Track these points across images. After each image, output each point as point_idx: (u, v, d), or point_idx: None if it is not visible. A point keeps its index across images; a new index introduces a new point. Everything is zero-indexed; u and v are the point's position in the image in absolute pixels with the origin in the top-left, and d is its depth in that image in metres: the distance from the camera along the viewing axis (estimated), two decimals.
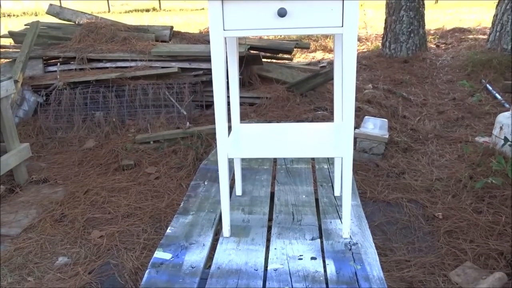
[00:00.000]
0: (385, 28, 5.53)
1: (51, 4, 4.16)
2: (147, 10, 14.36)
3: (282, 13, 0.98)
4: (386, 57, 5.42)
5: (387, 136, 2.79)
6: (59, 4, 14.63)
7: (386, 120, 2.89)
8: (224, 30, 1.02)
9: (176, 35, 4.16)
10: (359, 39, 7.04)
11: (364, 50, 6.21)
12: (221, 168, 1.26)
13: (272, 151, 1.26)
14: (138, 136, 3.00)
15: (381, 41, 5.79)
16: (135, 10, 14.42)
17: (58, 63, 3.64)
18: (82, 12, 4.16)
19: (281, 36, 6.36)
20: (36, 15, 13.64)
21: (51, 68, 3.72)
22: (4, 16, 13.84)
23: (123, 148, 2.95)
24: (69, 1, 17.26)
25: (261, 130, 1.46)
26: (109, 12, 14.45)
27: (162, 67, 3.52)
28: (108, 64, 3.62)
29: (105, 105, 3.33)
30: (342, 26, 1.00)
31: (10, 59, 3.78)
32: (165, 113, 3.36)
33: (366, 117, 2.91)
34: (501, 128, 2.80)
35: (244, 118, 3.35)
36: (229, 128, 1.36)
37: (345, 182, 1.21)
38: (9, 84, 2.52)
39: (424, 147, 3.05)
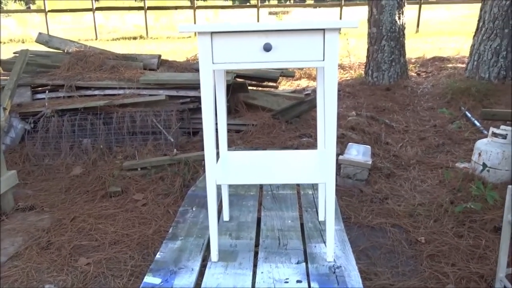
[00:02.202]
0: (367, 57, 5.72)
1: (40, 33, 4.22)
2: (134, 38, 14.53)
3: (267, 47, 1.06)
4: (369, 85, 5.58)
5: (370, 162, 2.87)
6: (47, 32, 14.72)
7: (369, 147, 2.98)
8: (213, 63, 1.09)
9: (163, 63, 4.25)
10: (343, 67, 7.23)
11: (347, 78, 6.38)
12: (209, 194, 1.30)
13: (259, 177, 1.31)
14: (125, 163, 3.02)
15: (364, 70, 5.96)
16: (123, 38, 14.58)
17: (47, 91, 3.68)
18: (70, 40, 4.23)
19: None
20: (23, 43, 13.70)
21: (39, 96, 3.75)
22: None
23: (110, 175, 2.96)
24: (56, 27, 17.39)
25: (248, 157, 1.52)
26: (96, 39, 14.57)
27: (150, 95, 3.58)
28: (96, 92, 3.66)
29: (92, 132, 3.36)
30: (324, 59, 1.07)
31: None
32: (153, 140, 3.40)
33: (349, 143, 2.99)
34: (479, 154, 2.91)
35: (231, 144, 3.41)
36: (217, 155, 1.41)
37: (328, 207, 1.27)
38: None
39: (406, 173, 3.13)
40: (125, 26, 18.02)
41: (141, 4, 16.29)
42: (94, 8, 15.65)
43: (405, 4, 5.45)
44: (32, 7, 26.42)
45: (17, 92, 3.66)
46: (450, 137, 3.86)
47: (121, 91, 3.62)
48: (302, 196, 1.90)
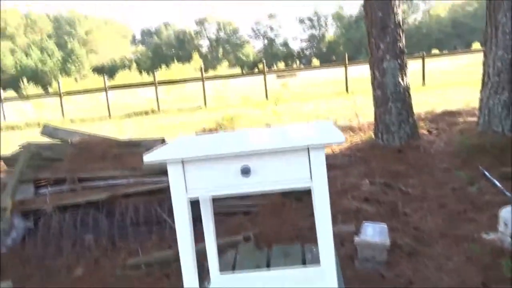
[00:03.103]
0: (375, 119, 5.63)
1: (45, 125, 4.26)
2: (146, 113, 14.87)
3: (246, 171, 0.94)
4: (380, 147, 5.44)
5: (388, 243, 2.65)
6: (62, 115, 15.11)
7: (385, 225, 2.77)
8: (186, 191, 0.98)
9: None
10: (352, 129, 7.14)
11: (357, 141, 6.27)
12: None
13: None
14: (129, 261, 2.86)
15: (373, 131, 5.86)
16: (134, 114, 14.93)
17: (48, 186, 3.62)
18: (74, 131, 4.25)
19: None
20: (39, 126, 14.10)
21: (42, 191, 3.68)
22: (8, 129, 14.29)
23: (113, 275, 2.79)
24: (72, 108, 17.99)
25: (246, 282, 1.35)
26: (110, 117, 14.96)
27: (154, 183, 3.49)
28: (99, 183, 3.59)
29: (95, 228, 3.24)
30: (311, 179, 0.95)
31: (0, 184, 3.76)
32: (157, 230, 3.26)
33: (364, 223, 2.80)
34: (505, 224, 2.68)
35: (240, 230, 3.23)
36: (207, 280, 1.25)
37: None
38: None
39: (429, 249, 2.89)
40: (137, 101, 18.58)
41: (152, 79, 16.87)
42: (107, 87, 16.23)
43: (407, 65, 5.44)
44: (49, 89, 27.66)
45: (20, 188, 3.61)
46: (471, 201, 3.63)
47: (124, 180, 3.54)
48: None
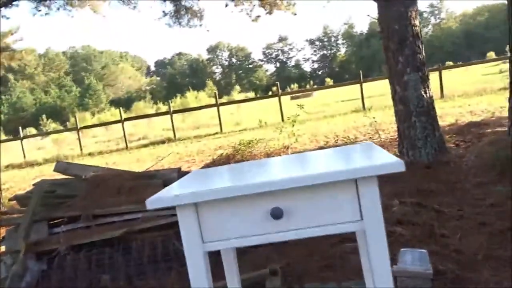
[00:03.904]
0: (399, 136, 5.39)
1: (58, 162, 4.15)
2: (163, 142, 14.85)
3: (277, 214, 0.75)
4: (406, 164, 5.16)
5: (431, 271, 2.39)
6: (80, 149, 15.22)
7: (425, 251, 2.51)
8: (203, 242, 0.78)
9: (184, 176, 4.03)
10: None
11: None
12: None
13: None
14: None
15: (397, 148, 5.60)
16: (151, 144, 14.93)
17: (62, 225, 3.47)
18: (88, 165, 4.13)
19: None
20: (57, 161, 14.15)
21: (56, 229, 3.53)
22: (27, 166, 14.43)
23: None
24: (89, 141, 18.14)
25: None
26: (127, 148, 14.98)
27: (171, 215, 3.30)
28: (115, 218, 3.42)
29: (111, 266, 3.05)
30: (362, 219, 0.74)
31: (14, 225, 3.63)
32: (176, 266, 3.04)
33: (402, 250, 2.54)
34: None
35: (265, 262, 3.00)
36: None
37: None
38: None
39: (475, 274, 2.60)
40: (154, 131, 18.65)
41: (167, 108, 16.93)
42: (123, 119, 16.34)
43: (429, 77, 5.22)
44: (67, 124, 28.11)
45: (34, 228, 3.46)
46: None
47: (140, 215, 3.36)
48: None
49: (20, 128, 17.77)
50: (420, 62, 5.11)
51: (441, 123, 7.03)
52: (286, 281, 2.69)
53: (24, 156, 16.31)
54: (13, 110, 49.21)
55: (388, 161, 0.73)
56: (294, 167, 0.92)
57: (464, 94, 13.73)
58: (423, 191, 4.22)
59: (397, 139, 5.55)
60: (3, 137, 23.24)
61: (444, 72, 15.19)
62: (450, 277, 2.57)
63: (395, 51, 5.13)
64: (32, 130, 27.06)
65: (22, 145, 16.88)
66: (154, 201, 0.75)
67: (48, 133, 21.89)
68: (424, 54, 5.18)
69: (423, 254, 2.49)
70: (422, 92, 5.09)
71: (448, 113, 9.55)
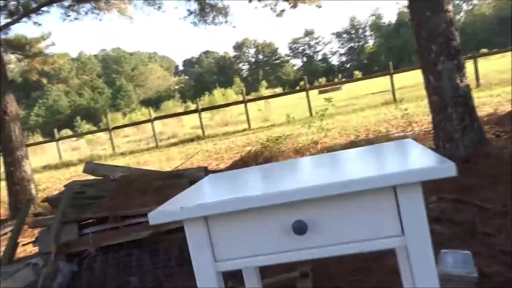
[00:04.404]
0: (434, 128, 5.13)
1: (87, 162, 4.17)
2: (192, 140, 14.92)
3: (300, 228, 0.63)
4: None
5: (476, 275, 2.21)
6: (112, 148, 15.51)
7: (468, 252, 2.33)
8: (215, 262, 0.68)
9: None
10: None
11: None
12: None
13: None
14: None
15: (432, 141, 5.34)
16: (180, 142, 15.03)
17: (91, 226, 3.47)
18: (116, 166, 4.13)
19: None
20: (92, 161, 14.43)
21: (86, 231, 3.53)
22: (63, 167, 14.82)
23: None
24: (121, 141, 18.48)
25: None
26: (157, 147, 15.16)
27: None
28: (142, 219, 3.39)
29: (139, 268, 3.01)
30: (403, 234, 0.62)
31: (46, 227, 3.66)
32: None
33: (442, 251, 2.37)
34: None
35: (294, 263, 2.88)
36: None
37: None
38: (28, 272, 2.27)
39: None
40: (183, 129, 18.81)
41: (196, 107, 17.03)
42: (153, 118, 16.53)
43: (464, 65, 4.94)
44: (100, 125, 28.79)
45: (64, 230, 3.48)
46: None
47: None
48: None
49: (55, 130, 18.28)
50: (454, 50, 4.84)
51: (479, 113, 6.70)
52: (317, 283, 2.57)
53: (60, 157, 16.78)
54: (49, 113, 50.94)
55: (434, 164, 0.60)
56: (319, 171, 0.80)
57: (502, 82, 13.11)
58: (462, 186, 3.99)
59: (432, 132, 5.29)
60: (40, 139, 24.04)
61: (479, 60, 14.57)
62: (498, 280, 2.38)
63: (427, 39, 4.88)
64: (68, 132, 27.87)
65: (58, 146, 17.37)
66: (157, 216, 0.65)
67: (82, 134, 22.47)
68: (458, 41, 4.91)
69: (467, 256, 2.32)
70: (458, 81, 4.82)
71: (486, 103, 9.12)
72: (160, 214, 0.64)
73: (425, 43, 4.92)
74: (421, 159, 0.64)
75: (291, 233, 0.64)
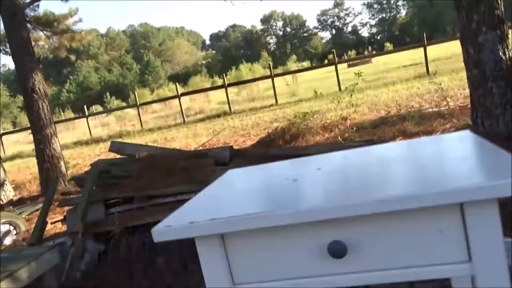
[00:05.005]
0: (472, 103, 4.84)
1: (112, 141, 4.15)
2: (219, 116, 14.87)
3: (337, 250, 0.50)
4: (481, 135, 4.64)
5: None
6: (140, 124, 15.67)
7: (510, 240, 2.16)
8: (234, 284, 0.57)
9: (237, 154, 3.87)
10: (442, 116, 6.34)
11: (451, 130, 5.49)
12: None
13: None
14: None
15: (470, 117, 5.06)
16: (207, 118, 15.01)
17: (117, 206, 3.45)
18: (141, 145, 4.09)
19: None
20: (121, 137, 14.67)
21: (112, 210, 3.53)
22: (93, 143, 15.10)
23: None
24: (149, 117, 18.66)
25: None
26: (184, 123, 15.21)
27: None
28: (168, 199, 3.35)
29: (165, 249, 2.98)
30: (470, 260, 0.49)
31: (73, 206, 3.68)
32: None
33: None
34: None
35: None
36: None
37: None
38: (53, 254, 2.26)
39: None
40: (210, 105, 18.77)
41: (223, 82, 16.92)
42: (179, 94, 16.54)
43: (508, 36, 4.59)
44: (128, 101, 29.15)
45: (91, 209, 3.48)
46: None
47: (192, 195, 3.25)
48: None
49: (85, 106, 18.60)
50: (498, 19, 4.49)
51: None
52: None
53: (90, 133, 17.10)
54: (80, 89, 51.99)
55: None
56: (359, 174, 0.67)
57: None
58: None
59: (469, 107, 5.00)
60: (72, 115, 24.58)
61: None
62: None
63: (468, 9, 4.54)
64: (98, 108, 28.36)
65: (87, 122, 17.70)
66: (161, 233, 0.55)
67: (111, 110, 22.82)
68: (503, 9, 4.55)
69: (508, 244, 2.15)
70: (501, 54, 4.49)
71: None
72: (166, 231, 0.53)
73: (465, 12, 4.59)
74: (493, 167, 0.49)
75: (326, 256, 0.51)
